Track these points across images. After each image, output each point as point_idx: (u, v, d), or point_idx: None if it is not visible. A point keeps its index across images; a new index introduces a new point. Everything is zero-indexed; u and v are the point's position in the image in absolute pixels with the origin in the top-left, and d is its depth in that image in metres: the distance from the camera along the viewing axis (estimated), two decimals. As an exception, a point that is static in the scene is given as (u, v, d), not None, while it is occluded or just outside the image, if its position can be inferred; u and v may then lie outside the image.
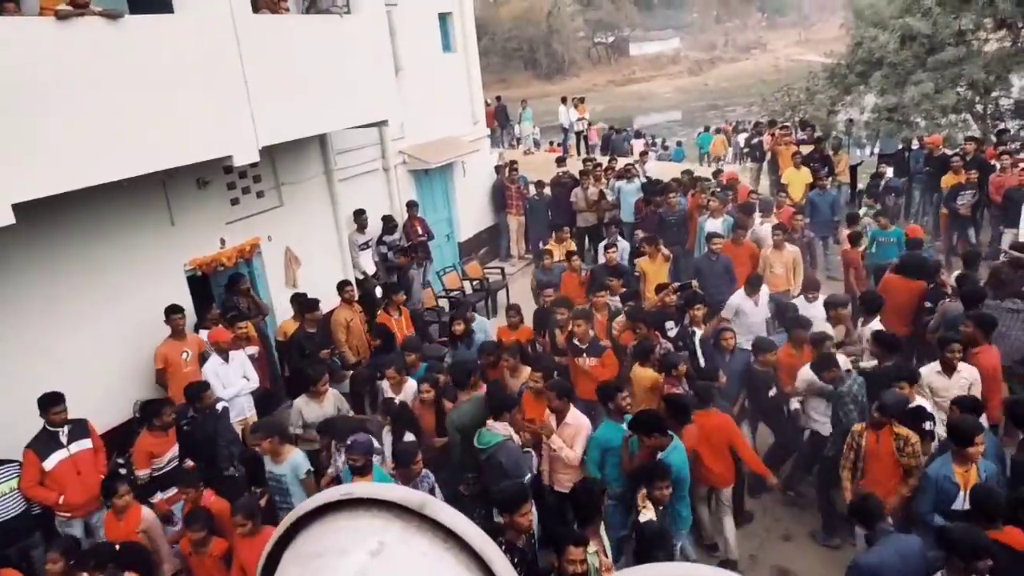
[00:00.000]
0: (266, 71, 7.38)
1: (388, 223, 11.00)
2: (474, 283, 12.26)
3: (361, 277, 10.51)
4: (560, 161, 15.02)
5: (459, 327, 8.02)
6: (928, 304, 7.99)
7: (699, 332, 7.53)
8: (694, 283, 8.79)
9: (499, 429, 5.64)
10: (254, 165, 8.25)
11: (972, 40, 14.95)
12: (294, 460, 5.88)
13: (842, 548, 6.20)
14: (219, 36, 6.92)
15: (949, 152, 12.92)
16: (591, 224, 13.20)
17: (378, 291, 9.94)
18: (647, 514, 5.04)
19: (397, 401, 6.64)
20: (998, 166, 11.54)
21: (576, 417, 5.91)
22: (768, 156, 15.97)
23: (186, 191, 8.04)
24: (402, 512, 1.03)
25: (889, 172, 13.03)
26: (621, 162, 15.14)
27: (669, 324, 8.04)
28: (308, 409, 6.82)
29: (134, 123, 6.09)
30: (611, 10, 62.65)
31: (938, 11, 14.63)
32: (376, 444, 5.87)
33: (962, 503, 4.96)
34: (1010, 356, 7.20)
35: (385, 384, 7.03)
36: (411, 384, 6.90)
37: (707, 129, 25.24)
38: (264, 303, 8.84)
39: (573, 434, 5.79)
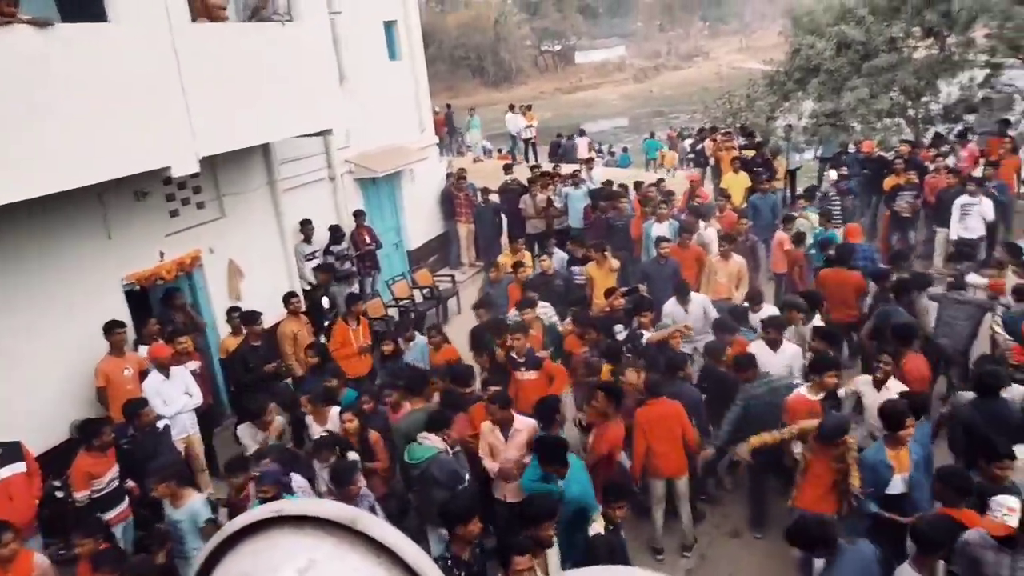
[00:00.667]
0: (205, 80, 7.22)
1: (335, 233, 10.88)
2: (424, 291, 12.19)
3: (308, 288, 10.35)
4: (508, 168, 15.08)
5: (388, 347, 7.84)
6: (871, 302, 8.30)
7: (647, 335, 7.63)
8: (641, 287, 8.90)
9: (433, 442, 5.58)
10: (194, 176, 8.04)
11: (903, 47, 15.53)
12: (193, 506, 5.55)
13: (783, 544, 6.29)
14: (155, 45, 6.74)
15: (885, 155, 13.38)
16: (540, 231, 13.26)
17: (325, 302, 9.81)
18: (596, 528, 5.08)
19: (320, 433, 6.37)
20: (931, 167, 12.00)
21: (523, 422, 5.89)
22: (712, 162, 16.34)
23: (123, 203, 7.80)
24: (335, 528, 1.01)
25: (833, 175, 13.40)
26: (568, 168, 15.28)
27: (618, 328, 8.13)
28: (252, 439, 6.58)
29: (67, 135, 5.88)
30: (557, 19, 63.23)
31: (871, 19, 15.15)
32: (297, 479, 5.71)
33: (898, 487, 5.15)
34: (954, 346, 7.50)
35: (309, 419, 6.72)
36: (335, 413, 6.57)
37: (652, 135, 25.63)
38: (200, 318, 8.64)
39: (525, 439, 5.78)
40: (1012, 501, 4.21)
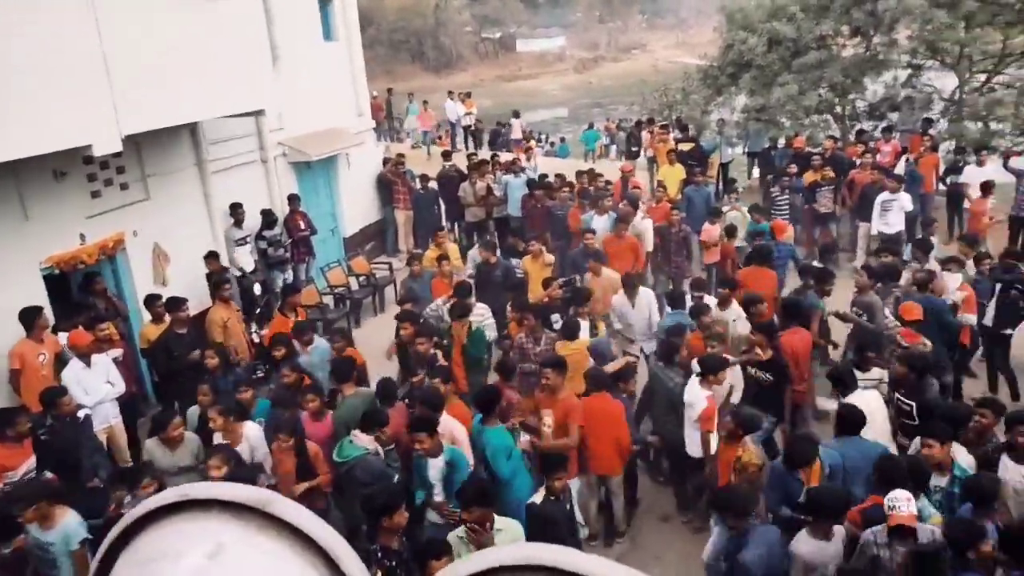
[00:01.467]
0: (129, 56, 6.93)
1: (268, 217, 10.62)
2: (360, 279, 12.02)
3: (239, 274, 10.08)
4: (447, 155, 14.98)
5: (279, 352, 7.16)
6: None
7: (584, 324, 7.71)
8: (578, 278, 8.97)
9: (363, 441, 5.52)
10: (117, 155, 7.74)
11: (832, 45, 16.00)
12: (66, 526, 4.95)
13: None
14: (76, 17, 6.43)
15: (814, 150, 13.81)
16: (480, 219, 13.24)
17: (256, 288, 9.58)
18: (535, 498, 5.12)
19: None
20: (859, 163, 12.44)
21: (447, 423, 5.84)
22: (649, 153, 16.59)
23: (41, 183, 7.45)
24: (245, 512, 0.97)
25: (752, 171, 13.76)
26: (507, 157, 15.29)
27: (555, 317, 8.20)
28: (160, 457, 5.95)
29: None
30: (498, 6, 62.94)
31: (801, 17, 15.54)
32: None
33: None
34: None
35: (217, 436, 5.98)
36: (252, 431, 5.98)
37: (591, 126, 25.81)
38: (123, 304, 8.33)
39: (450, 440, 5.73)
40: (904, 493, 4.39)
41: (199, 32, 7.94)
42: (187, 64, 7.73)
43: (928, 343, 6.79)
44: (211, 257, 9.18)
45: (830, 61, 15.39)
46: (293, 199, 11.16)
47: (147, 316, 8.28)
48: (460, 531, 4.58)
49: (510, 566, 0.87)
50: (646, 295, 8.37)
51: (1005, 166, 11.73)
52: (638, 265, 9.89)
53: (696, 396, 6.11)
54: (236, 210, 10.19)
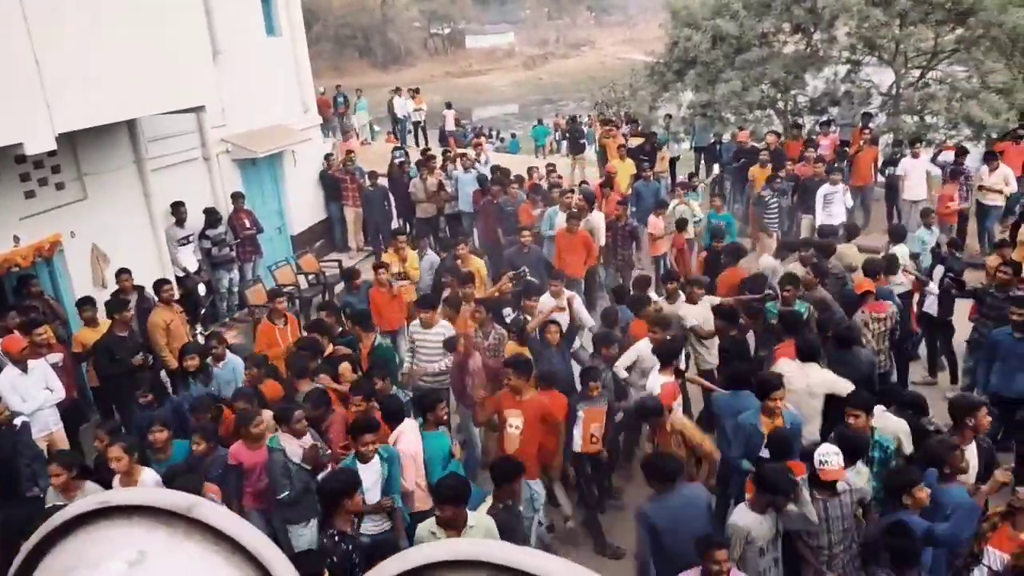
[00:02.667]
0: (63, 51, 6.70)
1: (211, 216, 10.39)
2: (309, 277, 11.84)
3: (181, 274, 9.84)
4: (396, 152, 14.87)
5: (191, 362, 6.72)
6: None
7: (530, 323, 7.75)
8: (525, 270, 8.94)
9: (280, 439, 5.45)
10: (52, 154, 7.48)
11: (773, 42, 16.36)
12: None
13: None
14: (4, 11, 6.18)
15: (758, 145, 14.10)
16: (431, 215, 13.16)
17: (201, 289, 9.36)
18: (483, 508, 5.12)
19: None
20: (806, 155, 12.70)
21: (400, 430, 5.76)
22: (597, 148, 16.72)
23: (-32, 183, 7.15)
24: (170, 518, 0.94)
25: (700, 166, 13.96)
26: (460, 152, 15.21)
27: (507, 311, 8.21)
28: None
29: None
30: (445, 2, 62.60)
31: (744, 14, 15.85)
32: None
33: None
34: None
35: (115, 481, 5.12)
36: (148, 479, 5.14)
37: (540, 122, 25.90)
38: (61, 307, 8.06)
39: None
40: (832, 447, 4.74)
41: (136, 27, 7.71)
42: (123, 60, 7.50)
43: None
44: (123, 274, 8.36)
45: (772, 58, 15.73)
46: (237, 197, 10.93)
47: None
48: (432, 526, 4.54)
49: (450, 561, 0.87)
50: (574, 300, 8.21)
51: (933, 160, 12.16)
52: (591, 260, 9.94)
53: (655, 384, 6.19)
54: (178, 209, 9.94)
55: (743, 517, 4.71)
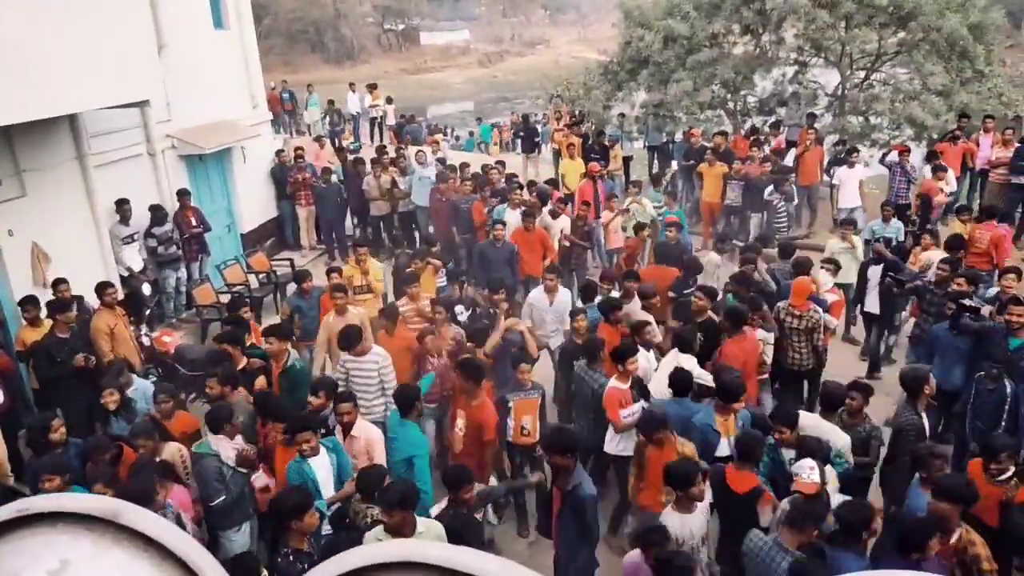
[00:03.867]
0: (-5, 41, 6.44)
1: (157, 213, 10.12)
2: (260, 277, 11.63)
3: (126, 274, 9.58)
4: (352, 149, 14.72)
5: (111, 398, 6.10)
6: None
7: (500, 314, 7.73)
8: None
9: (212, 443, 5.33)
10: (-15, 148, 7.19)
11: (723, 43, 16.61)
12: None
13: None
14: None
15: (707, 144, 14.31)
16: (385, 213, 13.05)
17: (146, 288, 9.12)
18: (434, 510, 5.09)
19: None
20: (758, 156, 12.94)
21: (364, 429, 5.70)
22: (553, 147, 16.80)
23: None
24: (96, 525, 0.91)
25: (653, 164, 14.13)
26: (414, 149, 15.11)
27: (459, 308, 8.20)
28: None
29: None
30: (400, -3, 62.25)
31: (695, 15, 16.07)
32: None
33: (725, 449, 5.47)
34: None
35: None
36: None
37: (479, 120, 25.78)
38: (-1, 309, 7.77)
39: (364, 446, 5.57)
40: (809, 461, 4.64)
41: (76, 18, 7.45)
42: (63, 52, 7.23)
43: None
44: (60, 284, 7.82)
45: (722, 58, 15.98)
46: (183, 194, 10.67)
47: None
48: (379, 532, 4.48)
49: (391, 563, 0.85)
50: (564, 294, 8.30)
51: (881, 161, 12.51)
52: (550, 256, 9.94)
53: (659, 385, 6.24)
54: (122, 206, 9.67)
55: (667, 518, 4.69)
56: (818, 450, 4.87)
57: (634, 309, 7.84)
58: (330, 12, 54.75)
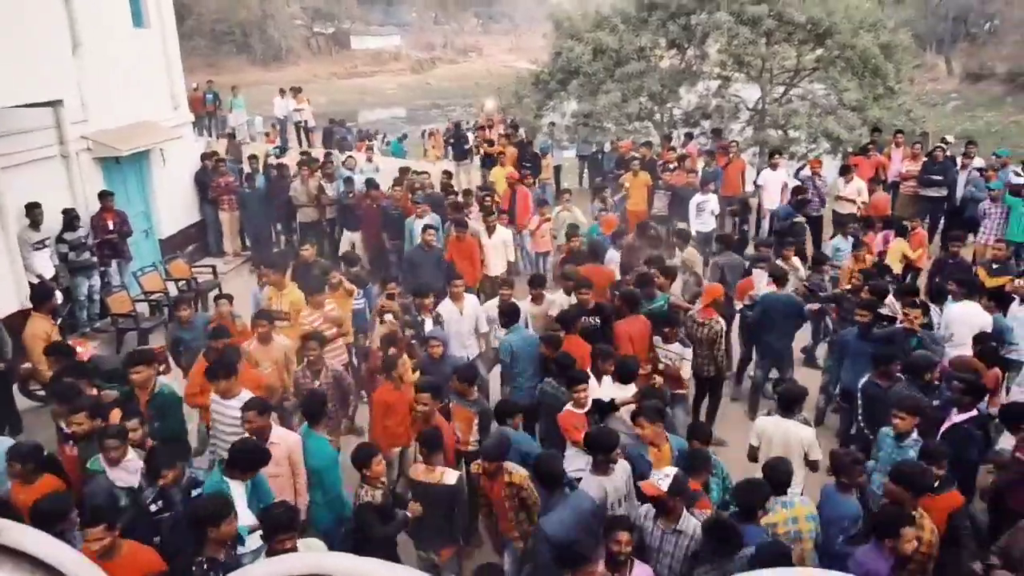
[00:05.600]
0: None
1: (69, 217, 9.67)
2: (180, 284, 11.24)
3: (36, 281, 9.11)
4: (279, 153, 14.41)
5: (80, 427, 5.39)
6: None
7: (428, 320, 7.69)
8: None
9: (100, 460, 5.08)
10: None
11: (651, 56, 17.01)
12: None
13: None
14: None
15: (636, 155, 14.60)
16: (313, 219, 12.80)
17: (58, 296, 8.69)
18: (363, 496, 5.05)
19: None
20: (675, 167, 13.28)
21: (283, 436, 5.52)
22: (482, 154, 16.81)
23: None
24: (-24, 548, 0.86)
25: (583, 175, 14.30)
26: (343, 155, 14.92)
27: (388, 317, 8.10)
28: None
29: None
30: (329, 0, 61.34)
31: (623, 28, 16.42)
32: None
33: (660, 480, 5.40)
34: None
35: None
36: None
37: (403, 137, 25.60)
38: None
39: (284, 453, 5.39)
40: (669, 469, 4.67)
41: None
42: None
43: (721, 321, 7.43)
44: None
45: (649, 71, 16.36)
46: (105, 196, 10.24)
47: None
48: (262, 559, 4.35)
49: None
50: (472, 300, 8.25)
51: (796, 175, 13.02)
52: (476, 268, 9.94)
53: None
54: (32, 210, 9.20)
55: (587, 481, 4.94)
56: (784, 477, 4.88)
57: (563, 301, 8.01)
58: (257, 13, 53.46)
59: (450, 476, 5.20)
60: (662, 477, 4.54)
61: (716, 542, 4.23)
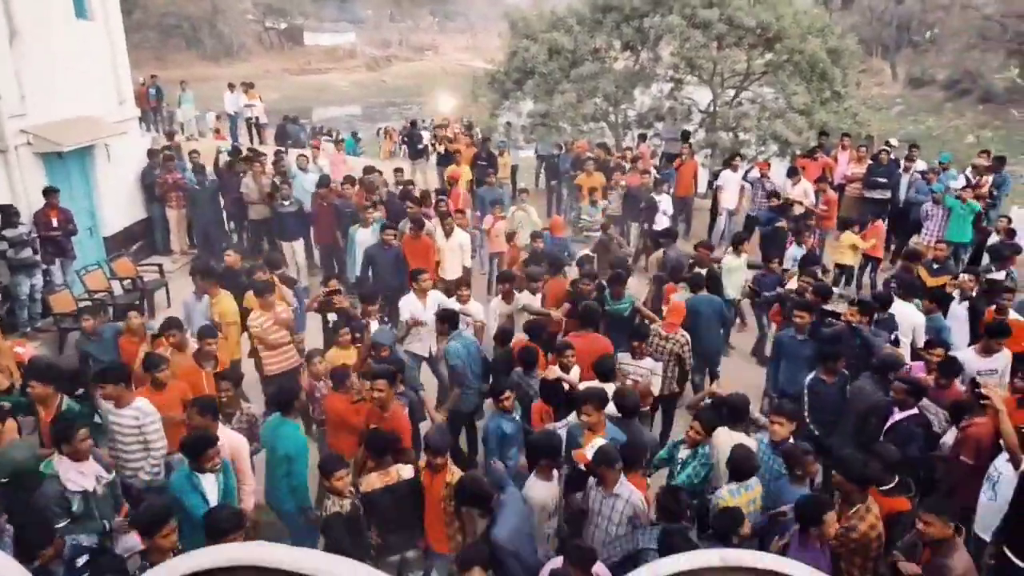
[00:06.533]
0: None
1: (8, 214, 9.34)
2: (125, 283, 10.93)
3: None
4: (232, 150, 14.13)
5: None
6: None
7: (374, 324, 7.60)
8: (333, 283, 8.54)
9: (54, 463, 4.92)
10: None
11: (605, 58, 17.13)
12: None
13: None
14: None
15: (591, 155, 14.71)
16: (264, 217, 12.56)
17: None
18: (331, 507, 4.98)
19: None
20: (627, 167, 13.44)
21: (227, 436, 5.45)
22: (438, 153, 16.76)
23: None
24: None
25: (540, 174, 14.34)
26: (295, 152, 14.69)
27: (331, 316, 8.07)
28: None
29: None
30: (282, -5, 60.38)
31: (578, 29, 16.50)
32: None
33: None
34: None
35: None
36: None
37: (354, 135, 25.25)
38: None
39: (228, 453, 5.29)
40: (599, 441, 5.09)
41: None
42: None
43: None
44: None
45: (604, 73, 16.48)
46: (50, 193, 9.92)
47: None
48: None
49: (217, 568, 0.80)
50: (436, 298, 8.21)
51: (744, 177, 13.29)
52: (431, 267, 9.87)
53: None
54: (-33, 206, 8.87)
55: (534, 488, 5.08)
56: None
57: (529, 300, 8.05)
58: (207, 8, 52.30)
59: (406, 471, 5.17)
60: (590, 449, 4.95)
61: (661, 509, 4.69)
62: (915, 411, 5.84)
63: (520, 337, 7.27)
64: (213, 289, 7.88)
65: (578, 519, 5.16)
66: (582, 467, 5.13)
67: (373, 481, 5.11)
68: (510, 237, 10.71)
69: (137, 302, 10.59)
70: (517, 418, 6.00)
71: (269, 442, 5.64)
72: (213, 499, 4.91)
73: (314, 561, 0.72)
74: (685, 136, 15.36)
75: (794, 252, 10.21)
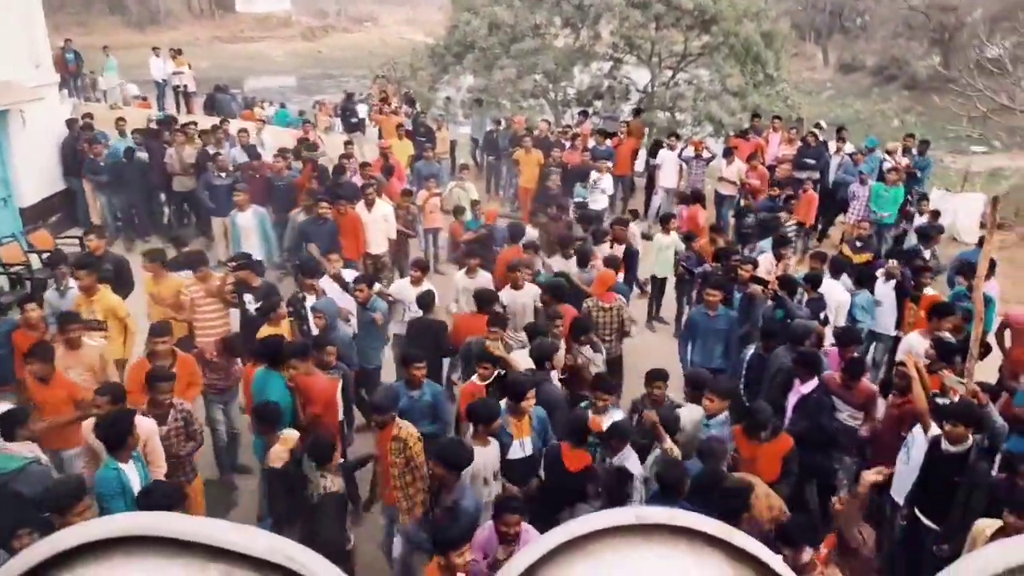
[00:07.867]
0: None
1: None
2: (44, 256, 10.41)
3: None
4: (167, 119, 13.55)
5: None
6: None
7: (311, 299, 7.44)
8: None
9: (18, 451, 4.76)
10: None
11: (546, 34, 17.10)
12: None
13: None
14: None
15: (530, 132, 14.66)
16: (189, 189, 12.09)
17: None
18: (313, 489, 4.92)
19: None
20: (568, 145, 13.44)
21: (138, 421, 5.15)
22: (376, 127, 16.42)
23: None
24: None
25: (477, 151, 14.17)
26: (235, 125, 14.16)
27: (248, 298, 7.73)
28: None
29: None
30: (211, -40, 58.02)
31: (519, 5, 16.42)
32: None
33: (518, 452, 5.40)
34: None
35: None
36: None
37: (283, 106, 24.37)
38: None
39: (145, 439, 5.10)
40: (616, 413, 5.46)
41: None
42: None
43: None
44: None
45: (544, 49, 16.46)
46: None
47: None
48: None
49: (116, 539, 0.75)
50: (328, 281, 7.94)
51: (680, 156, 13.46)
52: (359, 240, 9.70)
53: None
54: None
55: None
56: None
57: (483, 282, 7.92)
58: (132, -30, 50.00)
59: (335, 483, 4.97)
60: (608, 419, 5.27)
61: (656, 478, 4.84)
62: (815, 382, 5.95)
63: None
64: (91, 285, 6.95)
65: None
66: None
67: (326, 486, 4.92)
68: (459, 212, 10.55)
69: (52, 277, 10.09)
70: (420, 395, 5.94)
71: (259, 394, 5.71)
72: (137, 487, 4.72)
73: (211, 531, 0.68)
74: (637, 114, 15.46)
75: (764, 244, 10.34)
